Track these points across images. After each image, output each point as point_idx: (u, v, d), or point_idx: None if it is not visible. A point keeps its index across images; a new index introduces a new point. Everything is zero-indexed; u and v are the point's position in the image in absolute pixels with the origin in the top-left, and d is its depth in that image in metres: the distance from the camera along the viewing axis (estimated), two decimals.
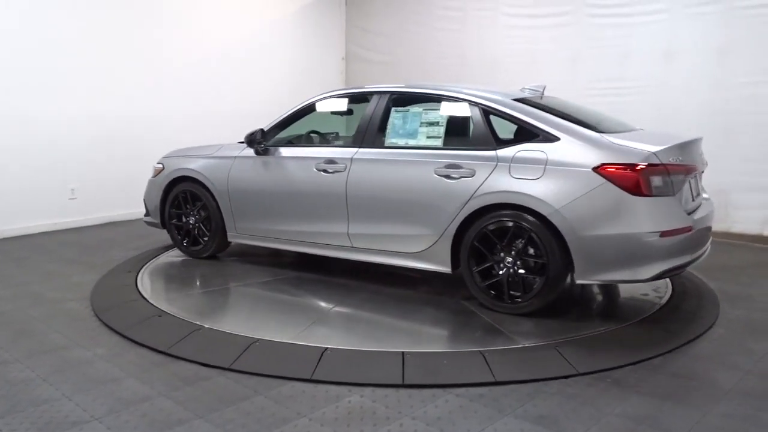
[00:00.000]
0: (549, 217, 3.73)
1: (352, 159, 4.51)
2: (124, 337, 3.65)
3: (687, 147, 4.03)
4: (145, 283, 4.68)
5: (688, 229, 3.71)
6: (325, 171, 4.61)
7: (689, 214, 3.87)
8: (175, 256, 5.56)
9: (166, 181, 5.48)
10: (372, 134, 4.54)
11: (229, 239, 5.28)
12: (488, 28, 8.08)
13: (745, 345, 3.56)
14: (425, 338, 3.78)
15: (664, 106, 6.61)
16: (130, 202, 7.45)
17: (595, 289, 4.59)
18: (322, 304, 4.34)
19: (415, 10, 8.90)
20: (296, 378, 3.09)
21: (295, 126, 5.13)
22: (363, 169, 4.46)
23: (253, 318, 4.12)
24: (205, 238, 5.36)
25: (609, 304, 4.36)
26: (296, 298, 4.49)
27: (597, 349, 3.44)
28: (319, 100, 4.97)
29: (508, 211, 3.89)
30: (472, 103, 4.23)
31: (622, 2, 6.88)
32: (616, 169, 3.63)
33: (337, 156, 4.61)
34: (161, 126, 7.67)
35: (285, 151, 4.95)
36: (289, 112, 5.07)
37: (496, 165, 3.95)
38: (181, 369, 3.22)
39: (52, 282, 4.82)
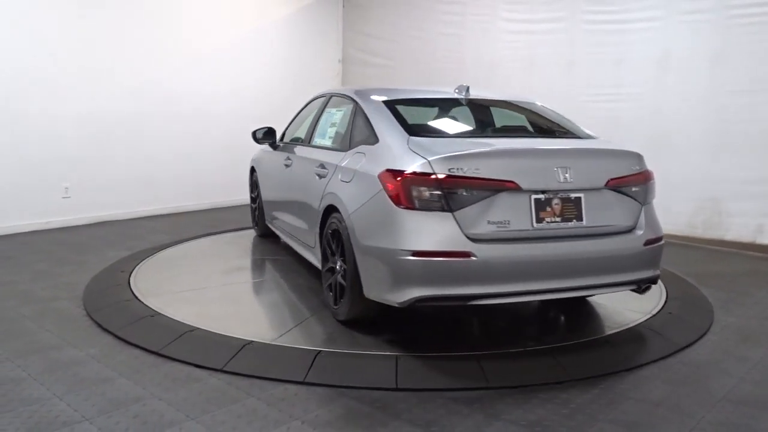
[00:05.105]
0: (345, 222, 3.59)
1: (295, 155, 4.98)
2: (116, 337, 3.63)
3: (505, 156, 3.38)
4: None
5: (464, 254, 3.11)
6: (286, 166, 5.10)
7: (509, 240, 3.22)
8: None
9: (249, 170, 6.44)
10: (311, 133, 4.91)
11: (266, 223, 5.97)
12: (486, 33, 8.10)
13: (738, 352, 3.57)
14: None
15: (658, 113, 6.64)
16: (125, 202, 7.43)
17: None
18: (251, 280, 4.95)
19: (413, 15, 8.92)
20: (289, 380, 3.08)
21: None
22: (296, 164, 4.91)
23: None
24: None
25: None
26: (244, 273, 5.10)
27: (590, 355, 3.45)
28: (310, 102, 5.41)
29: (334, 214, 3.83)
30: (355, 103, 4.19)
31: (618, 9, 6.91)
32: (388, 176, 3.32)
33: (291, 153, 5.11)
34: (158, 125, 7.65)
35: (280, 148, 5.49)
36: (297, 113, 5.68)
37: (337, 167, 3.93)
38: (174, 370, 3.20)
39: (43, 281, 4.78)
